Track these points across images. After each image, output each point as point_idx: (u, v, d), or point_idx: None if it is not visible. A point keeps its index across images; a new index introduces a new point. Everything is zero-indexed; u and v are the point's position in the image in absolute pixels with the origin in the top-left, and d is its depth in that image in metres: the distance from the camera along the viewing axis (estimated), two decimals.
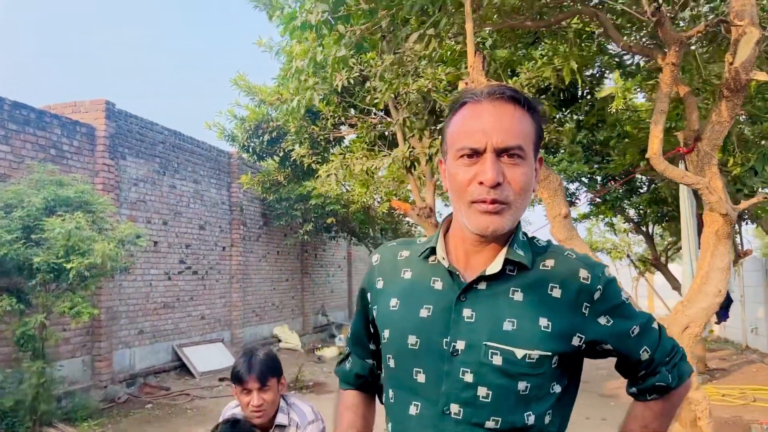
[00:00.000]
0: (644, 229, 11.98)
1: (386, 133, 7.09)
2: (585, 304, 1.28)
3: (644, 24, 4.25)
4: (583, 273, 1.28)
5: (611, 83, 6.90)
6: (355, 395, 1.60)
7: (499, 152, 1.22)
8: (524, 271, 1.29)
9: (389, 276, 1.45)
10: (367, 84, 6.12)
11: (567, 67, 4.57)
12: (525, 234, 1.36)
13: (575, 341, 1.27)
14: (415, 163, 6.32)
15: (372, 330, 1.50)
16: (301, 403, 2.66)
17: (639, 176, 9.52)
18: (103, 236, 6.59)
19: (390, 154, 6.33)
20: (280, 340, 13.26)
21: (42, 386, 6.27)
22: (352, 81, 5.49)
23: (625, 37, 4.42)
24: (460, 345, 1.25)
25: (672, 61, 3.41)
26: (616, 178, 9.53)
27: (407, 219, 14.89)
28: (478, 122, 1.25)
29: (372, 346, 1.55)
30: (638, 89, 7.08)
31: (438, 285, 1.34)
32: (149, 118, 9.59)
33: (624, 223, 12.93)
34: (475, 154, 1.23)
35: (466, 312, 1.27)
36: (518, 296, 1.27)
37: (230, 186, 11.87)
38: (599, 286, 1.28)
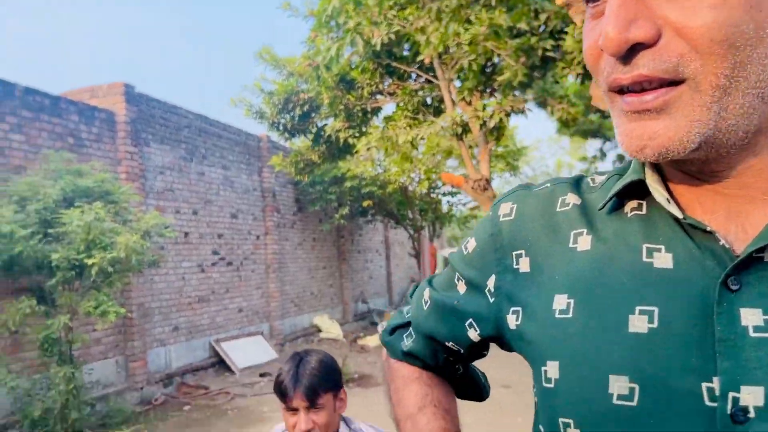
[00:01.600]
0: None
1: (430, 100, 6.36)
2: None
3: None
4: None
5: None
6: (421, 371, 0.99)
7: None
8: None
9: (544, 248, 0.74)
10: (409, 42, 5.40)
11: None
12: None
13: None
14: (466, 130, 5.59)
15: (478, 339, 0.85)
16: (368, 427, 2.01)
17: None
18: (126, 228, 6.03)
19: (436, 121, 5.61)
20: (320, 330, 12.71)
21: (72, 392, 5.77)
22: (393, 37, 4.77)
23: None
24: (749, 397, 0.55)
25: None
26: None
27: (447, 198, 14.17)
28: None
29: (463, 352, 0.90)
30: None
31: (664, 261, 0.63)
32: (170, 101, 9.02)
33: None
34: None
35: (750, 317, 0.56)
36: None
37: (261, 171, 11.29)
38: None
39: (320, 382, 1.82)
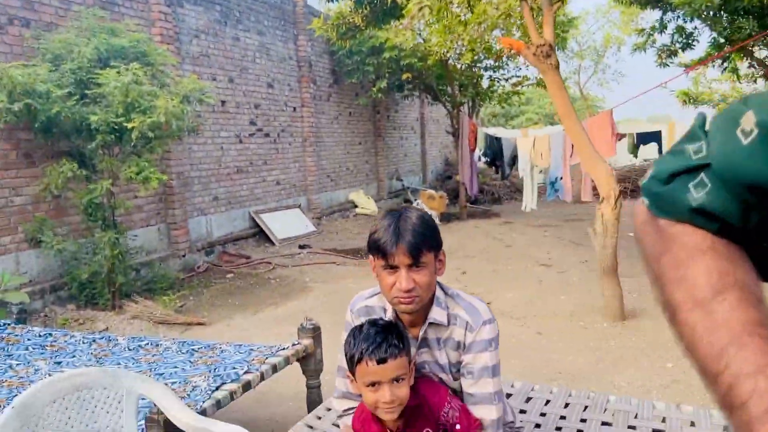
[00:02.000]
0: None
1: None
2: None
3: None
4: None
5: None
6: (714, 239, 0.68)
7: None
8: None
9: None
10: None
11: None
12: None
13: None
14: None
15: None
16: (468, 296, 1.84)
17: None
18: (164, 92, 5.76)
19: None
20: (356, 206, 12.67)
21: (117, 257, 5.79)
22: None
23: None
24: None
25: None
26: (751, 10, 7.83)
27: (489, 73, 13.47)
28: None
29: None
30: None
31: None
32: None
33: (749, 67, 11.16)
34: None
35: None
36: None
37: (297, 39, 10.74)
38: None
39: (424, 238, 1.64)
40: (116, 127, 5.46)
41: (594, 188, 7.03)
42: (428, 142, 17.34)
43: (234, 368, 2.74)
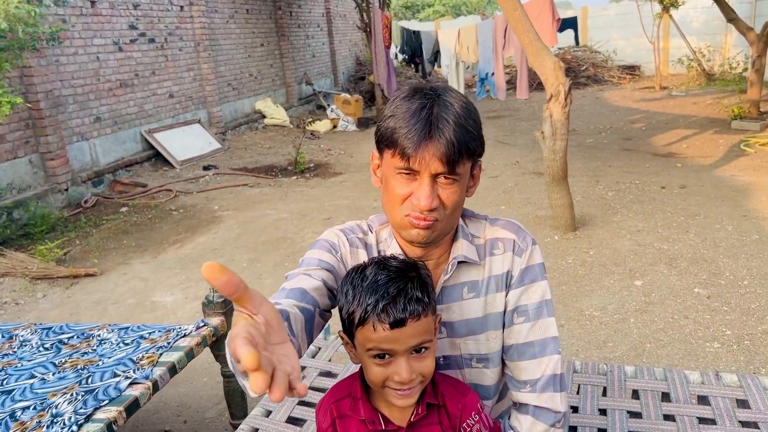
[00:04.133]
0: None
1: None
2: None
3: None
4: None
5: None
6: None
7: None
8: None
9: None
10: None
11: None
12: None
13: None
14: None
15: None
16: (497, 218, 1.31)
17: None
18: None
19: None
20: (264, 116, 11.55)
21: None
22: None
23: None
24: None
25: None
26: None
27: None
28: None
29: None
30: None
31: None
32: None
33: None
34: None
35: None
36: None
37: None
38: None
39: (468, 138, 1.07)
40: None
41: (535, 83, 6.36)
42: (337, 40, 16.06)
43: (116, 374, 1.96)
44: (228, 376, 2.32)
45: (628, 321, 3.31)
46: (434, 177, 1.07)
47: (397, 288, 1.03)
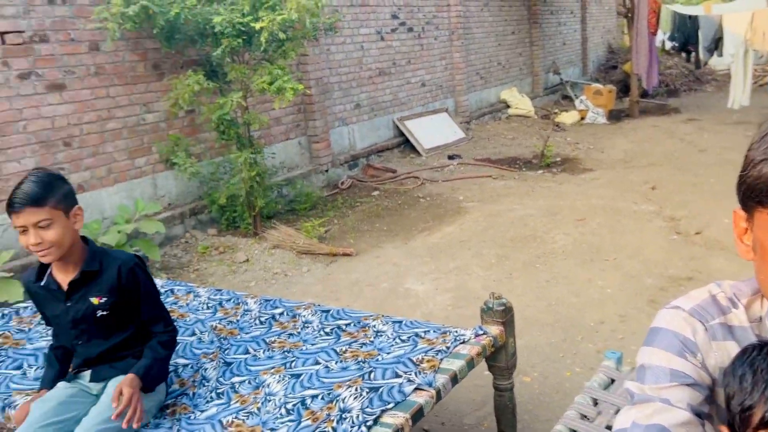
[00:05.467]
0: None
1: None
2: None
3: None
4: None
5: None
6: None
7: None
8: None
9: None
10: None
11: None
12: None
13: None
14: None
15: None
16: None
17: None
18: None
19: None
20: (508, 106, 11.31)
21: (255, 179, 5.19)
22: None
23: None
24: None
25: None
26: None
27: None
28: None
29: None
30: None
31: None
32: None
33: None
34: None
35: None
36: None
37: None
38: None
39: None
40: (243, 28, 4.67)
41: None
42: (590, 27, 15.15)
43: (396, 374, 1.91)
44: (501, 390, 2.17)
45: None
46: None
47: None
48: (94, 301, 1.86)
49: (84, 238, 1.92)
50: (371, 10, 7.96)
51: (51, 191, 1.72)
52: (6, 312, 2.76)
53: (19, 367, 2.28)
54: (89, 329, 1.90)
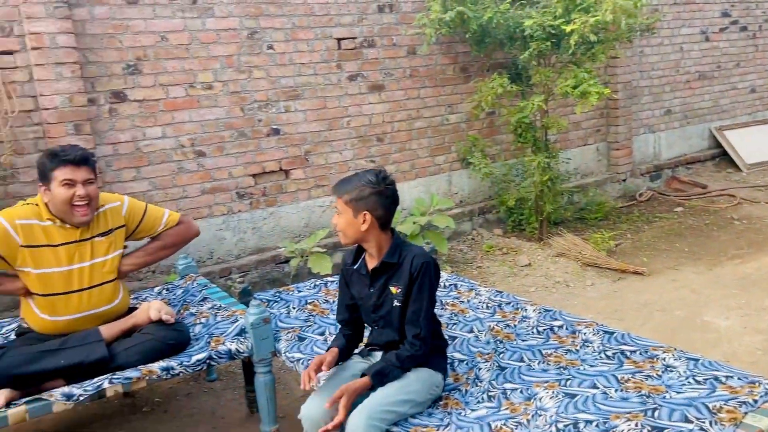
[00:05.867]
0: None
1: None
2: None
3: None
4: None
5: None
6: None
7: None
8: None
9: None
10: None
11: None
12: None
13: None
14: None
15: None
16: None
17: None
18: None
19: None
20: None
21: (546, 184, 5.11)
22: None
23: None
24: None
25: None
26: None
27: None
28: None
29: None
30: None
31: None
32: None
33: None
34: None
35: None
36: None
37: None
38: None
39: None
40: (553, 31, 4.61)
41: None
42: None
43: (686, 418, 1.70)
44: None
45: None
46: None
47: None
48: (393, 290, 2.04)
49: (392, 231, 2.11)
50: (697, 8, 7.19)
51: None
52: (317, 283, 3.17)
53: (322, 333, 2.61)
54: (386, 316, 2.08)
